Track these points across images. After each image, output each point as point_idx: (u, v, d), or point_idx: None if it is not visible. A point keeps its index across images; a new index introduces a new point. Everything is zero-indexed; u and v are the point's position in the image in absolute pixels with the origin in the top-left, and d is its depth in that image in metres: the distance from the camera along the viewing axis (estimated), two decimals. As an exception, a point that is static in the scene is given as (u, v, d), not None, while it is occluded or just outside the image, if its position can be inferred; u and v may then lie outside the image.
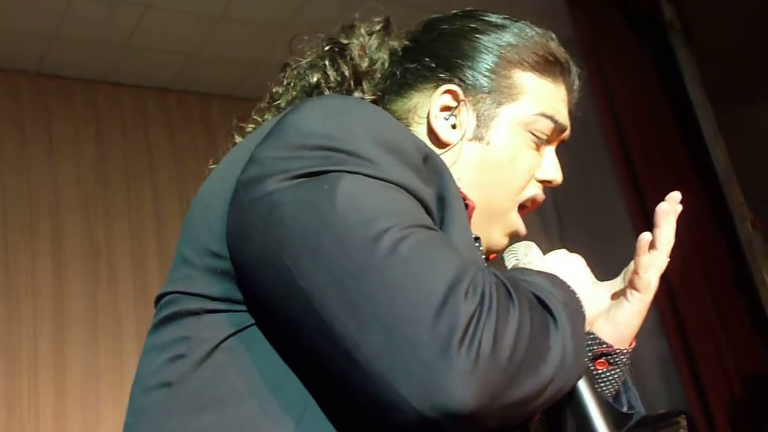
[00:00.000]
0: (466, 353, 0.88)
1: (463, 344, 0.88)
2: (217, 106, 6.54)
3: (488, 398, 0.89)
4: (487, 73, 1.37)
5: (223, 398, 1.02)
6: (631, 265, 1.33)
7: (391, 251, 0.93)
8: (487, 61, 1.37)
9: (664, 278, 4.89)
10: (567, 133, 1.45)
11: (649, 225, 4.68)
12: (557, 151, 1.46)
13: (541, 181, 1.43)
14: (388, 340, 0.89)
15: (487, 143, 1.36)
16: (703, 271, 4.79)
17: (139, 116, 6.11)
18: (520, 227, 1.43)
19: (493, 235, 1.41)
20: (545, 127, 1.39)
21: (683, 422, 5.22)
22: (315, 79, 1.40)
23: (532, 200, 1.43)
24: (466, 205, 1.26)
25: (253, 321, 1.06)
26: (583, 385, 1.14)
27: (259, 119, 1.45)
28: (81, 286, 5.38)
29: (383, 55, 1.43)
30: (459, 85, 1.37)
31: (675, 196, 1.29)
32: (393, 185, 1.02)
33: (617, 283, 1.34)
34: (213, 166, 1.31)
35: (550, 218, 5.68)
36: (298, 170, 1.01)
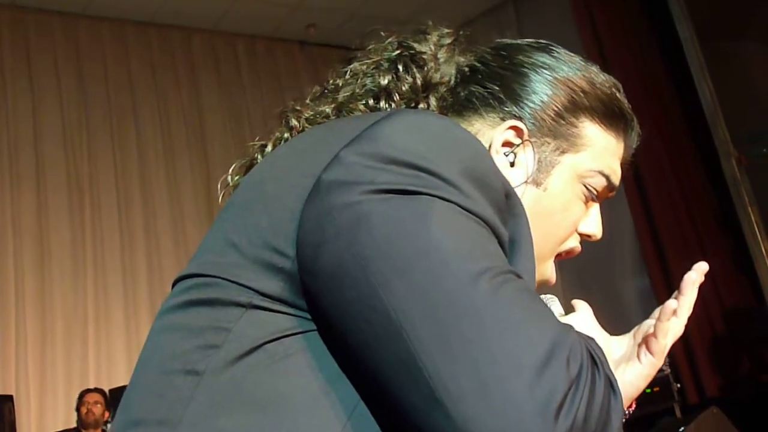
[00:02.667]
0: (563, 422, 0.85)
1: (560, 412, 0.85)
2: (198, 40, 6.49)
3: None
4: (555, 117, 1.31)
5: (257, 402, 0.97)
6: (644, 324, 1.31)
7: (493, 293, 0.89)
8: (557, 103, 1.31)
9: (647, 214, 4.92)
10: (614, 193, 1.42)
11: (639, 175, 4.65)
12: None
13: (581, 234, 1.37)
14: (481, 389, 0.86)
15: (544, 189, 1.29)
16: (687, 207, 4.81)
17: (120, 51, 6.05)
18: (552, 278, 1.39)
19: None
20: (599, 183, 1.32)
21: (665, 360, 5.28)
22: (385, 81, 1.33)
23: (568, 251, 1.38)
24: None
25: (304, 328, 1.00)
26: None
27: (318, 108, 1.36)
28: (65, 220, 5.37)
29: (451, 70, 1.36)
30: (525, 123, 1.29)
31: (702, 267, 1.24)
32: (481, 221, 0.97)
33: (626, 341, 1.32)
34: (260, 145, 1.26)
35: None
36: (388, 185, 0.96)
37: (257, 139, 1.30)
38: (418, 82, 1.33)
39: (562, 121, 1.31)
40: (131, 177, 5.80)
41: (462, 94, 1.34)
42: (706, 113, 4.67)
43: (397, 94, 1.32)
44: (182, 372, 1.00)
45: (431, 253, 0.91)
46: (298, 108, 1.32)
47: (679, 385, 4.59)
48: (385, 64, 1.34)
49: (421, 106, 1.33)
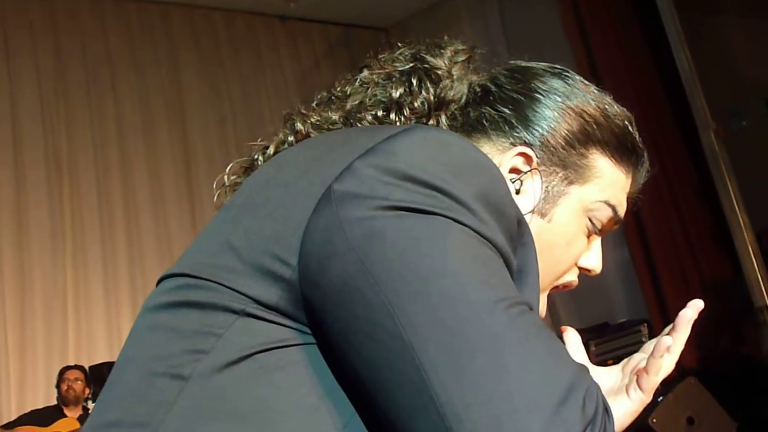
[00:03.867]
0: None
1: None
2: (177, 15, 6.45)
3: None
4: (566, 146, 1.27)
5: (242, 413, 0.94)
6: (634, 358, 1.30)
7: (510, 325, 0.87)
8: (569, 133, 1.28)
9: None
10: (618, 225, 1.38)
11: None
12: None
13: (581, 268, 1.34)
14: (495, 423, 0.84)
15: (549, 221, 1.26)
16: (666, 178, 4.84)
17: (97, 26, 6.00)
18: (543, 311, 1.36)
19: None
20: (605, 216, 1.28)
21: (645, 331, 5.32)
22: (397, 94, 1.28)
23: (565, 285, 1.34)
24: None
25: (299, 341, 0.96)
26: None
27: (325, 114, 1.31)
28: (43, 195, 5.35)
29: (464, 89, 1.30)
30: (534, 151, 1.26)
31: (698, 305, 1.23)
32: (494, 248, 0.95)
33: (615, 372, 1.32)
34: (261, 147, 1.23)
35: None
36: (404, 202, 0.93)
37: (259, 140, 1.27)
38: (432, 98, 1.28)
39: (573, 151, 1.27)
40: (110, 152, 5.78)
41: (472, 114, 1.29)
42: (684, 85, 4.67)
43: (408, 109, 1.28)
44: (167, 375, 0.97)
45: (447, 276, 0.89)
46: (304, 112, 1.27)
47: (658, 357, 4.62)
48: (398, 76, 1.30)
49: (431, 123, 1.29)
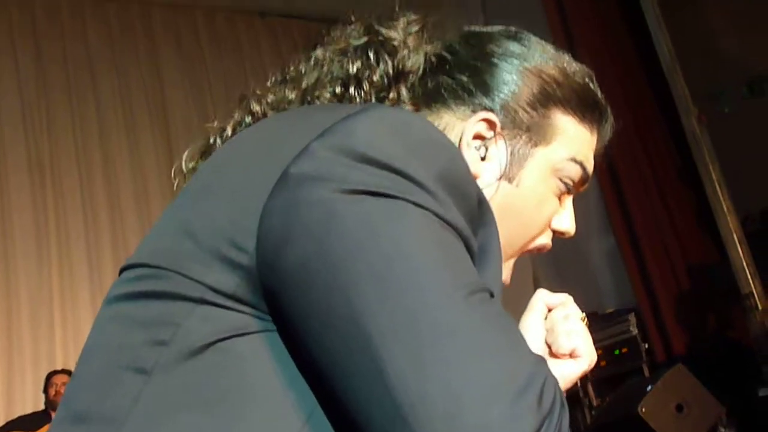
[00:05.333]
0: None
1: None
2: (157, 14, 6.42)
3: None
4: (528, 109, 1.25)
5: (206, 403, 0.92)
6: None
7: (470, 312, 0.86)
8: (529, 94, 1.26)
9: (611, 172, 4.94)
10: (587, 185, 1.36)
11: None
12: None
13: (555, 231, 1.32)
14: (451, 413, 0.82)
15: (517, 185, 1.24)
16: (650, 165, 4.84)
17: (77, 27, 5.97)
18: (507, 279, 1.31)
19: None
20: (574, 174, 1.26)
21: (633, 320, 5.33)
22: (354, 69, 1.25)
23: (539, 248, 1.32)
24: None
25: (260, 328, 0.94)
26: None
27: (281, 94, 1.28)
28: (26, 200, 5.32)
29: (420, 60, 1.27)
30: (496, 115, 1.24)
31: None
32: (454, 231, 0.93)
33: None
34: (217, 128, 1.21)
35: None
36: (362, 185, 0.91)
37: (214, 122, 1.24)
38: (390, 70, 1.26)
39: (535, 113, 1.26)
40: (93, 154, 5.76)
41: (430, 84, 1.28)
42: (665, 70, 4.67)
43: (367, 83, 1.26)
44: (130, 368, 0.96)
45: (406, 261, 0.88)
46: (260, 92, 1.26)
47: (647, 345, 4.63)
48: (353, 51, 1.27)
49: (392, 95, 1.26)
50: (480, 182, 1.20)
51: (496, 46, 1.29)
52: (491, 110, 1.23)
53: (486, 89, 1.26)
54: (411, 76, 1.27)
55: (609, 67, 4.88)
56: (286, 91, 1.25)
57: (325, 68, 1.26)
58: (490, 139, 1.23)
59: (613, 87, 4.80)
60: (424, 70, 1.27)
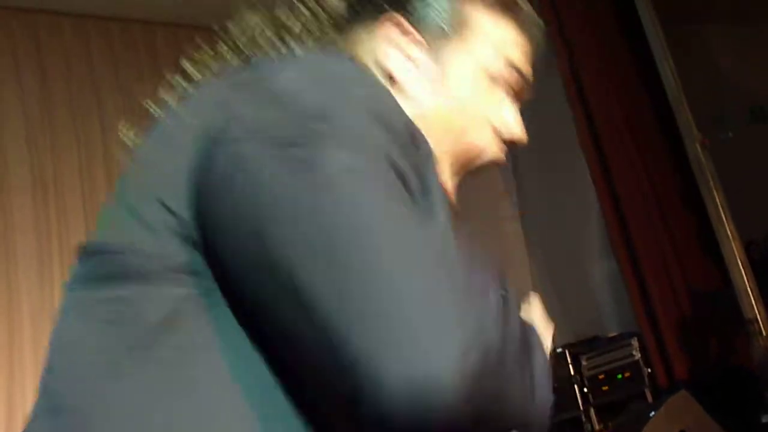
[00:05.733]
0: (476, 357, 0.81)
1: (474, 349, 0.81)
2: (161, 34, 6.43)
3: (473, 396, 0.82)
4: (442, 10, 1.22)
5: (177, 402, 0.92)
6: None
7: (411, 231, 0.86)
8: None
9: (613, 196, 4.92)
10: (527, 92, 1.30)
11: (601, 151, 4.67)
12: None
13: (504, 140, 1.29)
14: (390, 343, 0.80)
15: (443, 88, 1.22)
16: (652, 190, 4.83)
17: (82, 46, 5.98)
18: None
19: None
20: (507, 75, 1.26)
21: (635, 344, 5.31)
22: (284, 18, 1.25)
23: (493, 162, 1.31)
24: None
25: (216, 299, 0.94)
26: None
27: (218, 58, 1.28)
28: (29, 220, 5.31)
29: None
30: (411, 22, 1.21)
31: None
32: (389, 165, 0.91)
33: None
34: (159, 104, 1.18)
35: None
36: (284, 136, 0.90)
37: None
38: (320, 15, 1.24)
39: (451, 14, 1.23)
40: (97, 173, 5.74)
41: (341, 10, 1.25)
42: (669, 95, 4.68)
43: (300, 29, 1.24)
44: (93, 351, 0.95)
45: (343, 206, 0.86)
46: (196, 58, 1.26)
47: (649, 370, 4.61)
48: (279, 4, 1.27)
49: (330, 36, 1.24)
50: (404, 95, 1.19)
51: None
52: (405, 17, 1.21)
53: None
54: (335, 13, 1.24)
55: (611, 90, 4.89)
56: (224, 54, 1.25)
57: (257, 28, 1.24)
58: (409, 46, 1.21)
59: (615, 110, 4.81)
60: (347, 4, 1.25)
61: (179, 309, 0.93)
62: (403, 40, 1.21)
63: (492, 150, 1.28)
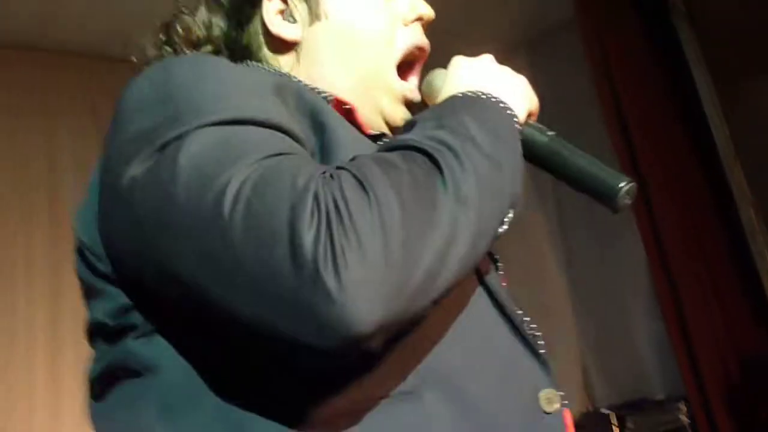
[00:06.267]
0: (336, 279, 0.80)
1: (329, 273, 0.80)
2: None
3: (387, 301, 0.82)
4: None
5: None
6: None
7: (232, 210, 0.85)
8: None
9: (662, 259, 4.83)
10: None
11: (650, 209, 4.61)
12: None
13: (412, 23, 1.32)
14: (267, 305, 0.83)
15: (326, 17, 1.27)
16: (702, 252, 4.76)
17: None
18: (407, 91, 1.31)
19: (385, 110, 1.30)
20: None
21: (684, 409, 5.20)
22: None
23: (419, 48, 1.32)
24: (349, 110, 1.20)
25: (149, 333, 1.01)
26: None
27: None
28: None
29: (216, 18, 1.36)
30: None
31: None
32: (239, 125, 0.93)
33: None
34: None
35: (549, 205, 5.66)
36: (141, 151, 0.94)
37: None
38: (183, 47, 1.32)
39: None
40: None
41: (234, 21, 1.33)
42: (721, 157, 4.63)
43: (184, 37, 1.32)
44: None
45: (182, 201, 0.88)
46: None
47: (697, 436, 4.52)
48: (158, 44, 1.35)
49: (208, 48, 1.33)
50: (304, 42, 1.27)
51: None
52: None
53: None
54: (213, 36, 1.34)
55: (662, 148, 4.83)
56: None
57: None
58: (289, 3, 1.29)
59: (665, 168, 4.75)
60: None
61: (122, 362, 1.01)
62: (285, 6, 1.30)
63: (408, 41, 1.30)
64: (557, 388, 1.11)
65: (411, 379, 0.96)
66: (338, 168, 0.90)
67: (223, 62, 1.07)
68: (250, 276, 0.83)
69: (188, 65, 1.03)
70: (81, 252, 1.05)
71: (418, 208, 0.86)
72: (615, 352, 5.20)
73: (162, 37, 1.34)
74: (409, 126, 1.04)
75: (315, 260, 0.80)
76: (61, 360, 4.68)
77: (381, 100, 1.30)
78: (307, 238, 0.81)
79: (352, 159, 0.94)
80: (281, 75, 1.21)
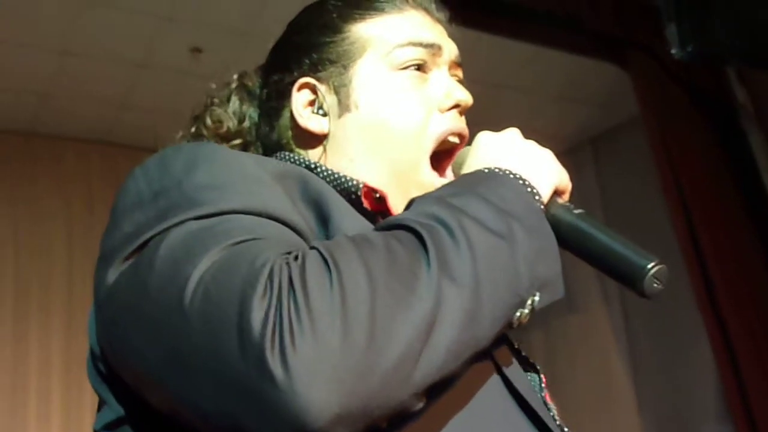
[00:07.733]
0: (282, 363, 0.74)
1: (275, 356, 0.74)
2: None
3: (345, 389, 0.75)
4: (323, 46, 1.27)
5: None
6: None
7: (191, 300, 0.81)
8: (318, 35, 1.28)
9: (732, 360, 4.72)
10: (450, 52, 1.30)
11: (718, 317, 4.51)
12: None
13: (449, 110, 1.26)
14: (225, 397, 0.77)
15: (356, 108, 1.23)
16: (755, 313, 4.62)
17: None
18: (439, 185, 1.18)
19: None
20: (413, 54, 1.24)
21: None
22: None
23: (455, 134, 1.26)
24: (380, 198, 1.17)
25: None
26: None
27: None
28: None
29: (248, 109, 1.39)
30: (309, 75, 1.28)
31: None
32: (225, 215, 0.90)
33: None
34: None
35: (611, 292, 5.60)
36: (128, 249, 0.92)
37: None
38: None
39: (332, 44, 1.27)
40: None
41: (270, 106, 1.34)
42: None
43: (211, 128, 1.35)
44: None
45: (155, 300, 0.86)
46: None
47: None
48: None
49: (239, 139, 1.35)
50: (334, 133, 1.25)
51: (282, 35, 1.38)
52: (300, 76, 1.28)
53: (285, 64, 1.31)
54: (244, 128, 1.36)
55: (731, 254, 4.75)
56: None
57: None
58: (319, 96, 1.26)
59: (734, 274, 4.65)
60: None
61: None
62: (312, 97, 1.28)
63: (443, 127, 1.25)
64: None
65: None
66: (311, 248, 0.84)
67: (221, 150, 1.04)
68: (207, 368, 0.78)
69: (184, 155, 1.00)
70: (90, 356, 1.03)
71: (392, 286, 0.79)
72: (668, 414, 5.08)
73: (192, 129, 1.35)
74: (409, 204, 1.00)
75: (261, 343, 0.74)
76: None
77: (412, 193, 1.19)
78: (256, 319, 0.75)
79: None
80: (295, 163, 1.19)
